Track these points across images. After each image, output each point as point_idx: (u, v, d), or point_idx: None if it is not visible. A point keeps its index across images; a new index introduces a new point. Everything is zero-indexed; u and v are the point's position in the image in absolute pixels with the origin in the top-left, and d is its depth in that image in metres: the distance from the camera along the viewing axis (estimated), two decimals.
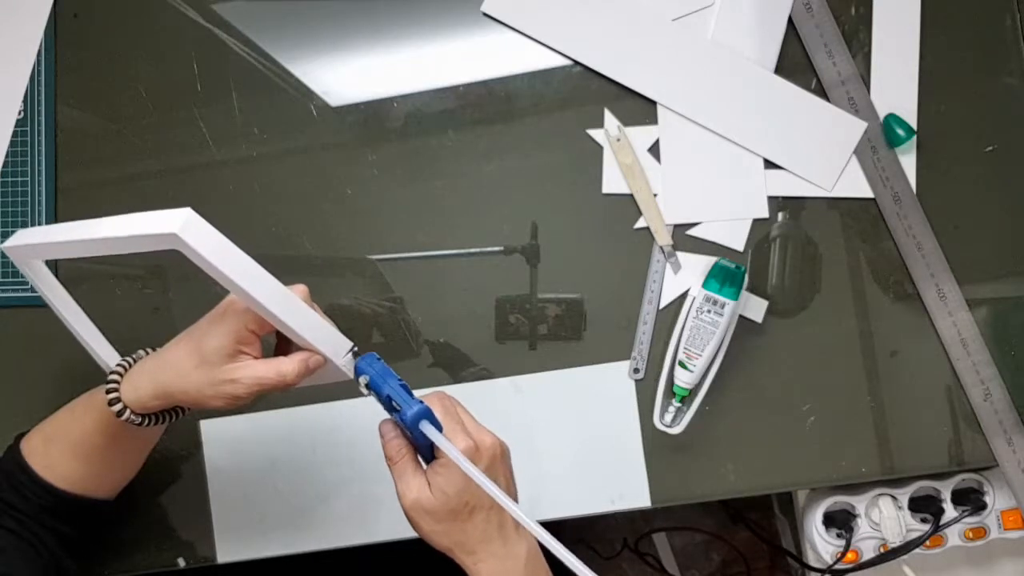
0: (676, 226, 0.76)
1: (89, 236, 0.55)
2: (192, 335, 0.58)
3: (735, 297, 0.71)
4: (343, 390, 0.76)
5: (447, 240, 0.77)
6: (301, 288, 0.58)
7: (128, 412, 0.58)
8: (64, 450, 0.61)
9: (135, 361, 0.61)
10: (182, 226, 0.51)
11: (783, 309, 0.76)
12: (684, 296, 0.76)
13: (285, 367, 0.56)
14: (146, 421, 0.59)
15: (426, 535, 0.58)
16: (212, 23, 0.78)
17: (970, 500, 0.78)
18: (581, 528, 1.43)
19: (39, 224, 0.77)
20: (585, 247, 0.77)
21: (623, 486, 0.76)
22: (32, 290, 0.77)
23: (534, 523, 0.51)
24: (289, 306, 0.55)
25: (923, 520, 0.78)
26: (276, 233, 0.77)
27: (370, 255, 0.78)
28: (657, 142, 0.76)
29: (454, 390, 0.76)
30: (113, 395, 0.58)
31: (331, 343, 0.58)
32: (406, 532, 0.76)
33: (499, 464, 0.58)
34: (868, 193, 0.76)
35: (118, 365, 0.60)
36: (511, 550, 0.59)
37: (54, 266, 0.77)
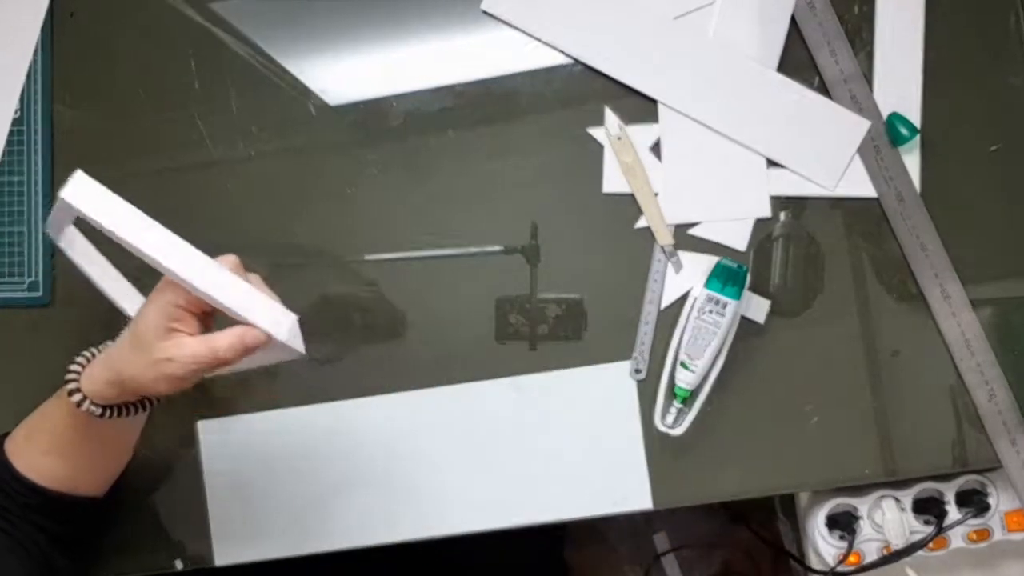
0: (677, 226, 0.76)
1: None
2: (134, 317, 0.57)
3: (737, 297, 0.70)
4: (343, 390, 0.76)
5: (447, 240, 0.77)
6: (229, 258, 0.55)
7: (87, 403, 0.57)
8: (42, 447, 0.61)
9: (100, 352, 0.60)
10: (70, 191, 0.50)
11: (785, 309, 0.76)
12: (685, 296, 0.75)
13: (218, 342, 0.53)
14: (107, 412, 0.58)
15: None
16: (210, 21, 0.78)
17: (974, 502, 0.78)
18: (582, 530, 1.43)
19: (35, 226, 0.77)
20: (585, 247, 0.77)
21: (624, 488, 0.76)
22: (33, 289, 0.77)
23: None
24: (208, 274, 0.52)
25: (926, 522, 0.78)
26: (274, 233, 0.77)
27: (369, 255, 0.77)
28: (658, 141, 0.76)
29: (454, 390, 0.76)
30: (72, 385, 0.58)
31: (268, 315, 0.54)
32: (405, 534, 0.76)
33: None
34: (871, 192, 0.75)
35: (81, 356, 0.60)
36: None
37: (49, 268, 0.77)
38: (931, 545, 0.78)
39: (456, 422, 0.76)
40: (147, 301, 0.56)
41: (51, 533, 0.62)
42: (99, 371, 0.57)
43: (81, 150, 0.78)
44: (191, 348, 0.54)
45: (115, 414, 0.59)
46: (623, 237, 0.76)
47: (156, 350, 0.54)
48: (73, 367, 0.59)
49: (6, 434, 0.64)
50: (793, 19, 0.75)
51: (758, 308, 0.75)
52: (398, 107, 0.77)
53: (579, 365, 0.76)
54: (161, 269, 0.53)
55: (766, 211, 0.76)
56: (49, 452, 0.61)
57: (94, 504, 0.65)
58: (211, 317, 0.57)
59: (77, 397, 0.57)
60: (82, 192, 0.51)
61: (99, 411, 0.58)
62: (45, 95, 0.77)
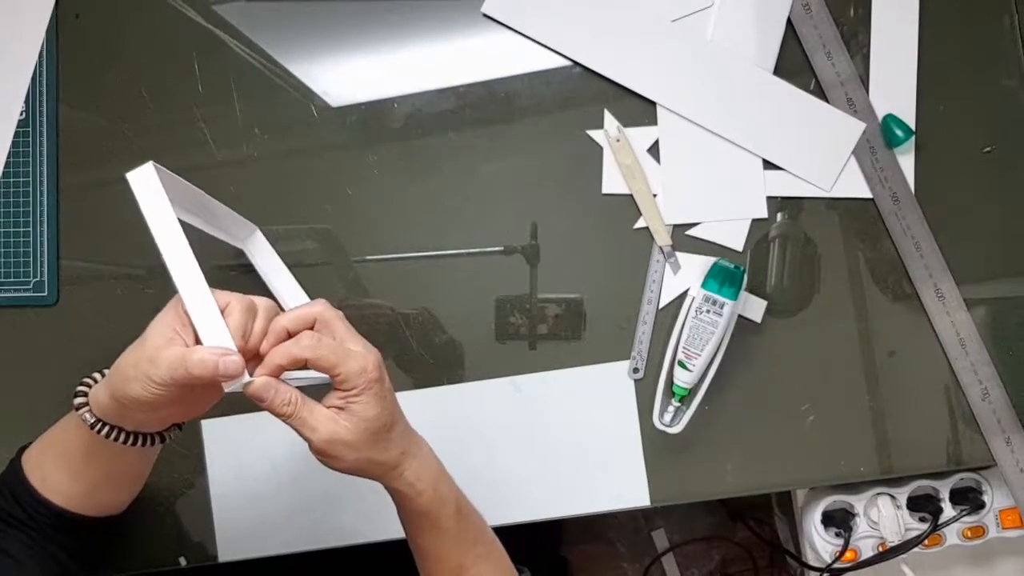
0: (675, 226, 0.77)
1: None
2: None
3: (734, 297, 0.71)
4: None
5: (447, 240, 0.77)
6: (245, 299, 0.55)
7: (85, 410, 0.57)
8: (56, 465, 0.61)
9: None
10: (137, 172, 0.54)
11: (782, 309, 0.77)
12: (683, 296, 0.76)
13: (193, 355, 0.52)
14: (98, 425, 0.57)
15: (347, 468, 0.57)
16: (213, 24, 0.78)
17: (968, 499, 0.79)
18: (581, 527, 1.44)
19: (41, 226, 0.77)
20: (585, 247, 0.77)
21: (623, 485, 0.76)
22: (39, 289, 0.77)
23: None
24: (200, 303, 0.53)
25: (921, 519, 0.78)
26: (276, 234, 0.77)
27: (370, 255, 0.78)
28: (656, 143, 0.77)
29: (454, 390, 0.77)
30: (81, 388, 0.58)
31: (217, 338, 0.53)
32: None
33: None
34: (867, 193, 0.76)
35: (96, 372, 0.60)
36: (422, 447, 0.60)
37: (56, 268, 0.77)
38: (926, 542, 0.78)
39: (456, 421, 0.77)
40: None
41: (69, 548, 0.63)
42: (103, 381, 0.57)
43: (86, 151, 0.78)
44: (173, 354, 0.52)
45: (106, 431, 0.57)
46: (622, 238, 0.77)
47: (148, 348, 0.53)
48: (86, 380, 0.59)
49: (25, 446, 0.64)
50: (790, 22, 0.76)
51: (755, 308, 0.76)
52: (399, 109, 0.78)
53: (578, 364, 0.77)
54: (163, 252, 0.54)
55: (763, 212, 0.76)
56: (60, 470, 0.61)
57: (109, 522, 0.65)
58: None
59: (79, 400, 0.58)
60: (144, 181, 0.54)
61: (92, 420, 0.57)
62: (50, 96, 0.78)
